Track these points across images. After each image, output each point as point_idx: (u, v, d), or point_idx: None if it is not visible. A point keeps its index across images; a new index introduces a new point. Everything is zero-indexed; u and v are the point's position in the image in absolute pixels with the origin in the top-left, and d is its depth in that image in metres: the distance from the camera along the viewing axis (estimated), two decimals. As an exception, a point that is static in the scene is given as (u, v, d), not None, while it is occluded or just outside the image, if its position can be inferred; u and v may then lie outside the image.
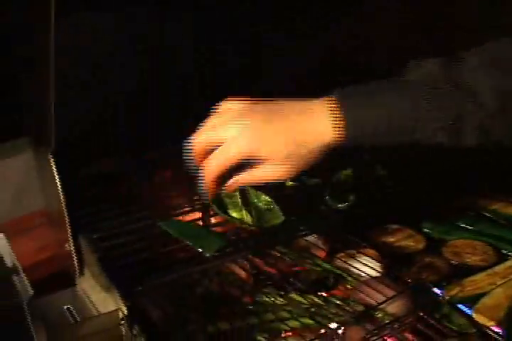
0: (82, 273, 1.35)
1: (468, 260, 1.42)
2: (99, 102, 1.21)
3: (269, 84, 1.42)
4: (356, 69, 1.54)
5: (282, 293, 1.28)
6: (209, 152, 1.02)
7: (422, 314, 1.23)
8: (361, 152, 1.65)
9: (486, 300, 1.28)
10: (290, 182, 1.49)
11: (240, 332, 1.17)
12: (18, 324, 0.88)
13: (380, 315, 1.21)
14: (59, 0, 0.95)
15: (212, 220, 1.43)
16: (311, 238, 1.44)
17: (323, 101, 1.01)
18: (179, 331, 1.16)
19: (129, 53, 1.16)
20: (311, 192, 1.48)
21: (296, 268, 1.37)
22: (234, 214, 1.38)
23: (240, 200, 1.40)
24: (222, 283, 1.30)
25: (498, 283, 1.32)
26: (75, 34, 1.04)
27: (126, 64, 1.16)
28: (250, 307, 1.25)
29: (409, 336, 1.22)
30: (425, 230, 1.54)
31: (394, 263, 1.35)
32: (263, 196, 1.42)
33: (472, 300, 1.28)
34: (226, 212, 1.38)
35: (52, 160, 1.23)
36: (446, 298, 1.29)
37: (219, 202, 1.40)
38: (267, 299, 1.27)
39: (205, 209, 1.43)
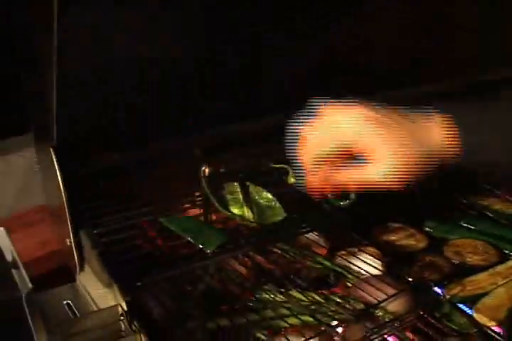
0: (82, 269, 1.34)
1: (469, 259, 1.42)
2: (101, 98, 1.21)
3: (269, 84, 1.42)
4: (356, 69, 1.54)
5: (283, 290, 1.27)
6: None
7: (422, 313, 1.23)
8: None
9: (486, 300, 1.28)
10: (292, 180, 1.48)
11: (240, 329, 1.17)
12: (16, 318, 0.88)
13: (380, 313, 1.20)
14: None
15: (214, 216, 1.43)
16: (313, 235, 1.44)
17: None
18: (179, 327, 1.16)
19: (129, 52, 1.16)
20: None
21: (296, 266, 1.37)
22: (235, 211, 1.37)
23: (241, 197, 1.40)
24: (223, 279, 1.30)
25: (499, 283, 1.32)
26: (76, 32, 1.04)
27: (127, 61, 1.16)
28: (250, 304, 1.25)
29: (410, 335, 1.22)
30: (427, 229, 1.54)
31: (395, 261, 1.35)
32: (264, 193, 1.42)
33: (473, 300, 1.28)
34: (227, 209, 1.38)
35: (54, 156, 1.23)
36: (447, 297, 1.29)
37: (220, 198, 1.40)
38: (267, 296, 1.27)
39: (206, 206, 1.42)
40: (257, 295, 1.27)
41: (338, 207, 1.40)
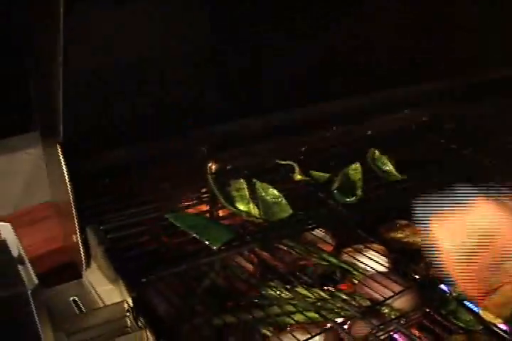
0: (88, 265, 1.35)
1: (476, 257, 1.41)
2: (107, 97, 1.21)
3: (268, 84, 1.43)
4: (356, 69, 1.54)
5: (288, 286, 1.28)
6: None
7: (428, 310, 1.23)
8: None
9: (493, 297, 1.27)
10: (298, 176, 1.48)
11: (246, 325, 1.17)
12: (22, 314, 0.88)
13: (386, 310, 1.20)
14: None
15: (220, 213, 1.43)
16: (319, 232, 1.44)
17: None
18: (185, 323, 1.16)
19: (133, 51, 1.16)
20: (318, 186, 1.48)
21: (302, 262, 1.37)
22: (241, 207, 1.37)
23: (247, 193, 1.40)
24: (229, 276, 1.30)
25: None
26: (81, 32, 1.04)
27: (129, 61, 1.16)
28: (256, 300, 1.25)
29: (416, 332, 1.22)
30: (434, 226, 1.53)
31: (401, 258, 1.34)
32: (271, 189, 1.41)
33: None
34: (233, 205, 1.37)
35: (60, 153, 1.23)
36: (454, 294, 1.28)
37: (226, 195, 1.40)
38: (272, 293, 1.27)
39: (212, 202, 1.42)
40: (263, 292, 1.27)
41: (344, 203, 1.40)
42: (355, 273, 1.32)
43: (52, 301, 1.33)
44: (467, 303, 1.27)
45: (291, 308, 1.22)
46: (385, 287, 1.24)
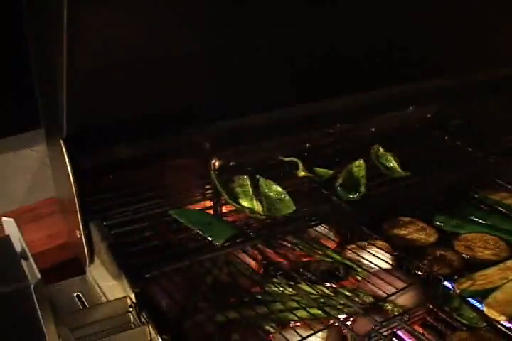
0: (92, 261, 1.35)
1: (480, 254, 1.41)
2: (110, 92, 1.21)
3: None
4: (360, 66, 1.54)
5: (292, 283, 1.27)
6: None
7: (432, 307, 1.23)
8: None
9: (497, 295, 1.27)
10: (302, 173, 1.48)
11: (249, 322, 1.17)
12: (25, 308, 0.88)
13: (389, 307, 1.20)
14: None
15: (223, 209, 1.43)
16: (323, 229, 1.44)
17: None
18: (188, 319, 1.16)
19: (138, 46, 1.16)
20: (322, 182, 1.47)
21: (306, 259, 1.37)
22: (245, 204, 1.37)
23: (251, 190, 1.40)
24: (232, 272, 1.30)
25: (510, 277, 1.31)
26: (86, 28, 1.04)
27: (135, 56, 1.17)
28: (259, 296, 1.25)
29: (419, 329, 1.21)
30: (437, 223, 1.53)
31: (405, 255, 1.34)
32: (274, 186, 1.41)
33: (483, 294, 1.27)
34: (237, 201, 1.38)
35: (64, 148, 1.24)
36: (457, 291, 1.28)
37: (230, 191, 1.40)
38: (276, 289, 1.27)
39: (216, 198, 1.42)
40: (266, 288, 1.27)
41: (348, 200, 1.40)
42: (359, 269, 1.32)
43: (56, 297, 1.34)
44: (471, 300, 1.27)
45: (294, 305, 1.22)
46: (389, 284, 1.23)
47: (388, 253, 1.35)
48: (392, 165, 1.58)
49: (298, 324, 1.20)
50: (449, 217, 1.55)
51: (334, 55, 1.45)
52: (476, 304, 1.26)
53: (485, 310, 1.23)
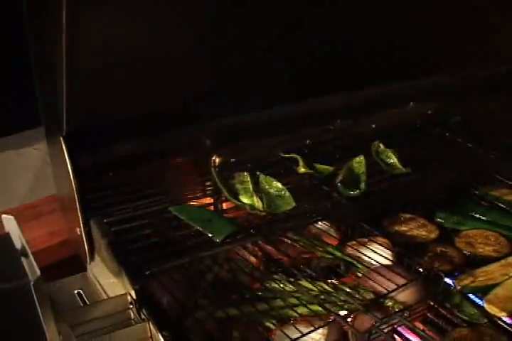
0: (92, 258, 1.35)
1: (480, 250, 1.41)
2: (111, 89, 1.21)
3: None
4: (361, 63, 1.54)
5: (292, 279, 1.28)
6: None
7: (432, 303, 1.23)
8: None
9: (497, 291, 1.27)
10: (302, 169, 1.48)
11: (249, 318, 1.17)
12: (25, 305, 0.88)
13: (390, 303, 1.20)
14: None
15: (224, 206, 1.43)
16: (323, 225, 1.43)
17: None
18: (188, 316, 1.16)
19: (139, 45, 1.16)
20: (322, 179, 1.47)
21: (306, 255, 1.37)
22: (245, 200, 1.37)
23: (251, 186, 1.39)
24: (232, 268, 1.30)
25: (511, 273, 1.31)
26: (85, 27, 1.04)
27: (135, 53, 1.17)
28: (260, 293, 1.25)
29: (420, 325, 1.21)
30: (438, 220, 1.53)
31: (406, 252, 1.34)
32: (274, 182, 1.41)
33: (484, 291, 1.27)
34: (237, 198, 1.37)
35: (64, 145, 1.24)
36: (458, 287, 1.28)
37: (230, 187, 1.40)
38: (276, 285, 1.27)
39: (216, 195, 1.42)
40: (267, 285, 1.27)
41: (348, 196, 1.40)
42: (359, 266, 1.32)
43: (57, 294, 1.34)
44: (471, 296, 1.27)
45: (294, 301, 1.22)
46: (389, 280, 1.23)
47: (389, 249, 1.35)
48: (392, 161, 1.57)
49: (298, 320, 1.20)
50: (450, 214, 1.55)
51: (334, 55, 1.46)
52: (477, 300, 1.26)
53: (486, 306, 1.23)
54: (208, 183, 1.46)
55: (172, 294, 1.18)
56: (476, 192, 1.66)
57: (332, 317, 1.18)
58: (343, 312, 1.19)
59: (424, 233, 1.46)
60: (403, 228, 1.48)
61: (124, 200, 1.34)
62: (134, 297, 1.11)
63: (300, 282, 1.26)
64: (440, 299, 1.24)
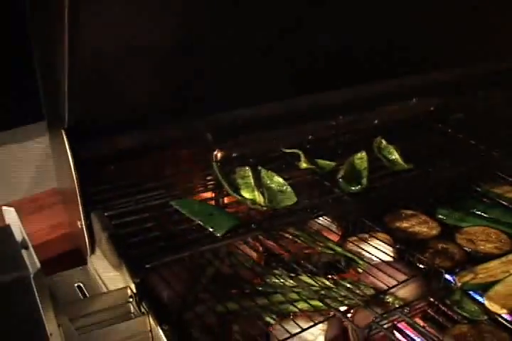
0: (93, 252, 1.35)
1: (481, 247, 1.41)
2: (112, 82, 1.21)
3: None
4: (363, 59, 1.53)
5: (293, 274, 1.27)
6: None
7: (433, 300, 1.22)
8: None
9: (498, 288, 1.27)
10: (304, 165, 1.48)
11: (249, 313, 1.17)
12: (24, 297, 0.88)
13: (390, 299, 1.20)
14: None
15: (225, 200, 1.43)
16: (325, 221, 1.43)
17: None
18: (188, 310, 1.16)
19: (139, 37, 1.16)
20: (324, 174, 1.47)
21: (307, 251, 1.37)
22: (246, 195, 1.37)
23: (252, 181, 1.39)
24: (233, 263, 1.30)
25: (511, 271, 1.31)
26: (86, 18, 1.04)
27: (136, 45, 1.16)
28: (260, 288, 1.25)
29: (420, 321, 1.21)
30: (439, 216, 1.53)
31: (407, 248, 1.34)
32: (276, 177, 1.41)
33: (484, 288, 1.27)
34: (238, 193, 1.37)
35: (65, 138, 1.24)
36: (459, 284, 1.28)
37: (232, 182, 1.40)
38: (276, 280, 1.27)
39: (217, 190, 1.42)
40: (267, 280, 1.27)
41: (350, 192, 1.40)
42: (360, 262, 1.31)
43: (57, 287, 1.34)
44: (472, 293, 1.27)
45: (295, 296, 1.22)
46: (390, 276, 1.23)
47: (390, 245, 1.35)
48: (394, 157, 1.57)
49: (298, 316, 1.20)
50: (452, 210, 1.54)
51: (336, 49, 1.45)
52: (478, 297, 1.26)
53: (486, 303, 1.23)
54: (209, 178, 1.46)
55: (172, 288, 1.18)
56: (478, 189, 1.66)
57: (332, 313, 1.18)
58: (343, 308, 1.19)
59: (425, 229, 1.46)
60: (404, 224, 1.48)
61: (125, 194, 1.34)
62: (134, 290, 1.11)
63: (300, 277, 1.26)
64: (440, 295, 1.24)
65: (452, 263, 1.35)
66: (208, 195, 1.44)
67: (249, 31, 1.28)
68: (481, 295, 1.26)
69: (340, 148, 1.60)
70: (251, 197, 1.36)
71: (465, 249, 1.40)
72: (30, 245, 0.96)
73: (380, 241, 1.36)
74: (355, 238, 1.40)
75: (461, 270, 1.33)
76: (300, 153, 1.51)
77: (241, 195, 1.37)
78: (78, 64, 1.09)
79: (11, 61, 1.41)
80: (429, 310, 1.23)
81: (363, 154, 1.53)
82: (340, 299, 1.21)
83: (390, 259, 1.31)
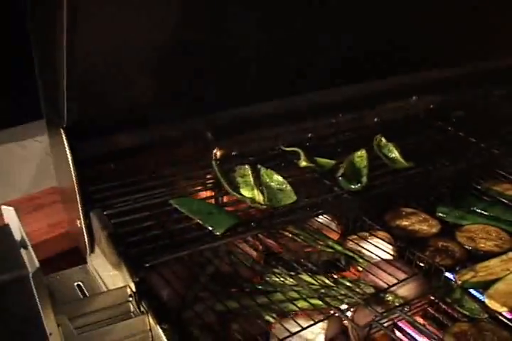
0: (92, 251, 1.35)
1: (482, 245, 1.41)
2: (111, 80, 1.21)
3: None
4: (363, 57, 1.53)
5: (293, 273, 1.27)
6: None
7: (433, 298, 1.22)
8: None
9: (498, 286, 1.27)
10: (304, 163, 1.47)
11: (249, 311, 1.17)
12: (23, 296, 0.88)
13: (390, 297, 1.20)
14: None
15: (224, 199, 1.42)
16: (325, 219, 1.43)
17: None
18: (188, 309, 1.16)
19: (139, 36, 1.16)
20: (324, 172, 1.47)
21: (307, 249, 1.36)
22: (246, 194, 1.36)
23: (252, 180, 1.39)
24: (233, 262, 1.30)
25: (512, 269, 1.31)
26: (85, 18, 1.04)
27: (136, 44, 1.16)
28: (260, 286, 1.25)
29: (420, 320, 1.21)
30: (440, 214, 1.53)
31: (407, 246, 1.33)
32: (275, 176, 1.41)
33: (485, 286, 1.27)
34: (238, 191, 1.37)
35: (64, 136, 1.23)
36: (459, 282, 1.28)
37: (231, 181, 1.39)
38: (276, 279, 1.27)
39: (217, 188, 1.42)
40: (267, 278, 1.27)
41: (350, 190, 1.39)
42: (360, 260, 1.31)
43: (57, 286, 1.34)
44: (472, 291, 1.27)
45: (294, 295, 1.22)
46: (390, 274, 1.23)
47: (390, 244, 1.35)
48: (394, 155, 1.57)
49: (298, 314, 1.20)
50: (452, 208, 1.54)
51: (337, 47, 1.45)
52: (478, 295, 1.26)
53: (486, 301, 1.23)
54: (208, 176, 1.45)
55: (172, 287, 1.18)
56: (479, 187, 1.66)
57: (332, 311, 1.18)
58: (343, 306, 1.19)
59: (425, 227, 1.46)
60: (404, 222, 1.48)
61: (124, 192, 1.34)
62: (134, 289, 1.11)
63: (300, 276, 1.26)
64: (441, 294, 1.24)
65: (452, 261, 1.35)
66: (208, 193, 1.43)
67: (249, 31, 1.28)
68: (482, 293, 1.26)
69: (340, 146, 1.60)
70: (250, 195, 1.35)
71: (465, 247, 1.40)
72: (29, 244, 0.95)
73: (380, 239, 1.36)
74: (355, 236, 1.40)
75: (462, 268, 1.33)
76: (300, 151, 1.50)
77: (240, 194, 1.36)
78: (76, 63, 1.09)
79: (11, 60, 1.41)
80: (429, 309, 1.23)
81: (362, 152, 1.52)
82: (340, 297, 1.21)
83: (390, 257, 1.31)
